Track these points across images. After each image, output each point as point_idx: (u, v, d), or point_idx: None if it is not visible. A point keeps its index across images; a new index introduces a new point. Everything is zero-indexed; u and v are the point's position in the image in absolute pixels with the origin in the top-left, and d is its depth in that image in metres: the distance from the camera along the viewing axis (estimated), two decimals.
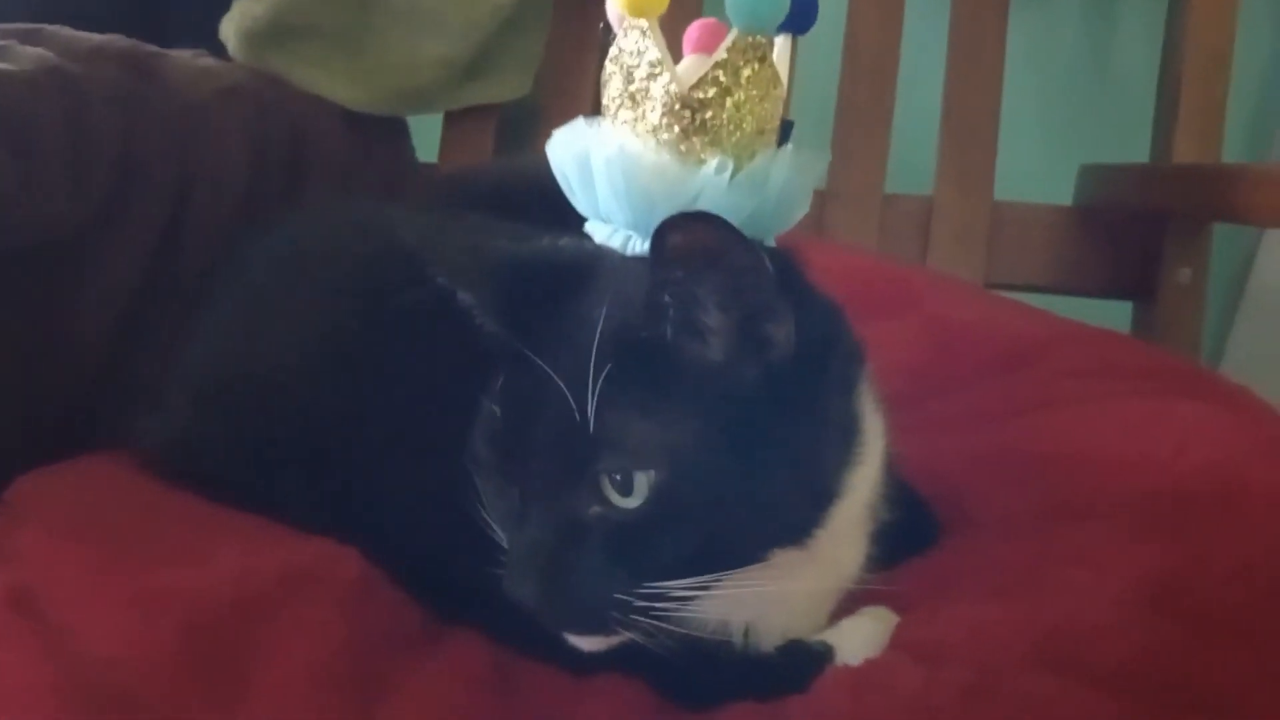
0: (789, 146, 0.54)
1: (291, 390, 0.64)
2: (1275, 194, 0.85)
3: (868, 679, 0.52)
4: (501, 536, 0.52)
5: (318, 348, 0.65)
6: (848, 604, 0.58)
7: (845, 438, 0.53)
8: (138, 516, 0.62)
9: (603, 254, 0.52)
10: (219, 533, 0.59)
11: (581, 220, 0.56)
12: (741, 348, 0.49)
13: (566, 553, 0.48)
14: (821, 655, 0.55)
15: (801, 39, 0.57)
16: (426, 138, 1.13)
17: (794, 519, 0.51)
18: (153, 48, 0.86)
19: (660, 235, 0.45)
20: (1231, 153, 1.09)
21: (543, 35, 1.12)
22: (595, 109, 0.56)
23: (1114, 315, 1.07)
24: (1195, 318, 1.03)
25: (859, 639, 0.56)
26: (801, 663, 0.54)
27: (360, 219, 0.76)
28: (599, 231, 0.53)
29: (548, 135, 1.20)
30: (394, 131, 1.08)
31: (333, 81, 1.02)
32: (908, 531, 0.62)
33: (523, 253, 0.54)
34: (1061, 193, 1.12)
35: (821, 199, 1.09)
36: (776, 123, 0.53)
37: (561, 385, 0.47)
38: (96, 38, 0.82)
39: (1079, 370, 0.81)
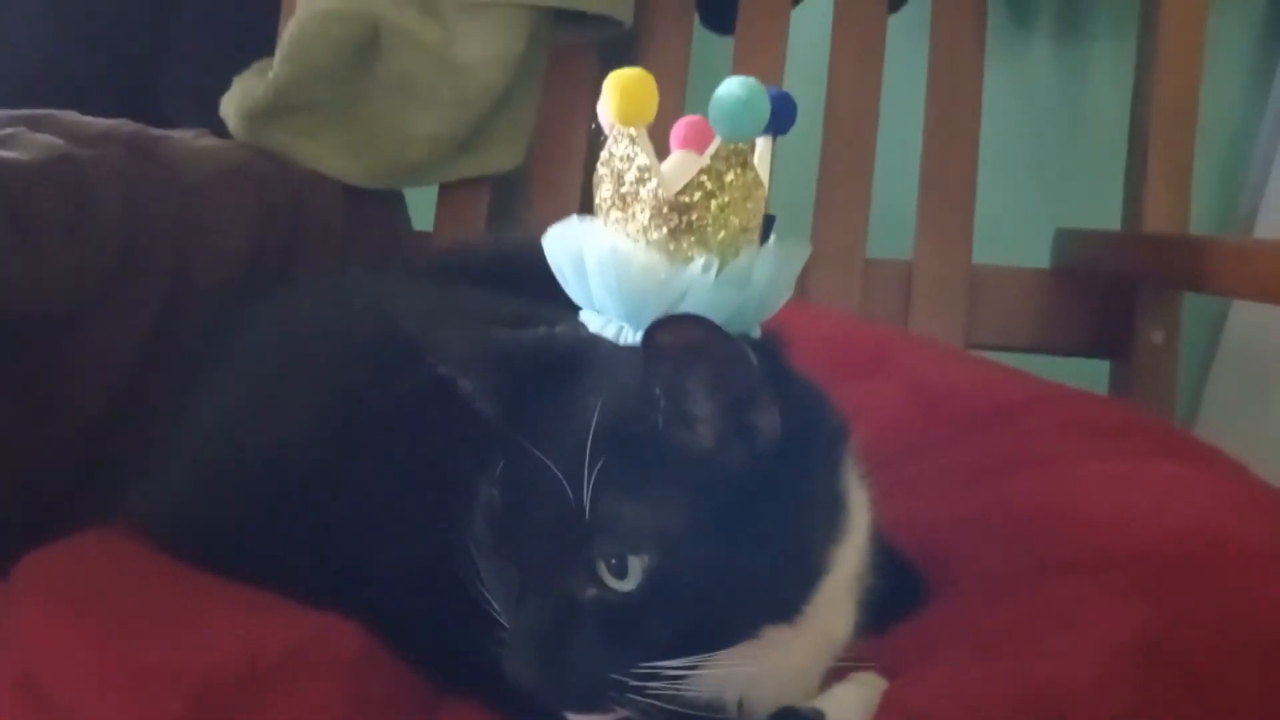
0: (771, 242, 0.56)
1: (291, 465, 0.66)
2: (1240, 267, 0.87)
3: None
4: (501, 614, 0.53)
5: (317, 424, 0.66)
6: (838, 671, 0.59)
7: (830, 515, 0.56)
8: (138, 591, 0.62)
9: (596, 342, 0.55)
10: (219, 605, 0.60)
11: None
12: (729, 435, 0.51)
13: (564, 634, 0.50)
14: None
15: (772, 145, 0.59)
16: (422, 207, 1.16)
17: (783, 597, 0.53)
18: (157, 131, 0.89)
19: (650, 335, 0.48)
20: (1202, 212, 1.13)
21: (533, 108, 1.15)
22: (584, 177, 0.59)
23: (1091, 374, 1.09)
24: (1169, 376, 1.06)
25: (849, 704, 0.57)
26: None
27: (358, 296, 0.78)
28: (593, 321, 0.55)
29: (539, 203, 1.23)
30: (390, 203, 1.11)
31: (330, 156, 1.05)
32: (895, 596, 0.63)
33: (521, 342, 0.56)
34: (1039, 255, 1.16)
35: (805, 264, 1.11)
36: (759, 220, 0.56)
37: (557, 473, 0.49)
38: (102, 123, 0.85)
39: (1057, 429, 0.82)
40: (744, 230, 0.54)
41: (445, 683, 0.60)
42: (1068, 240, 1.14)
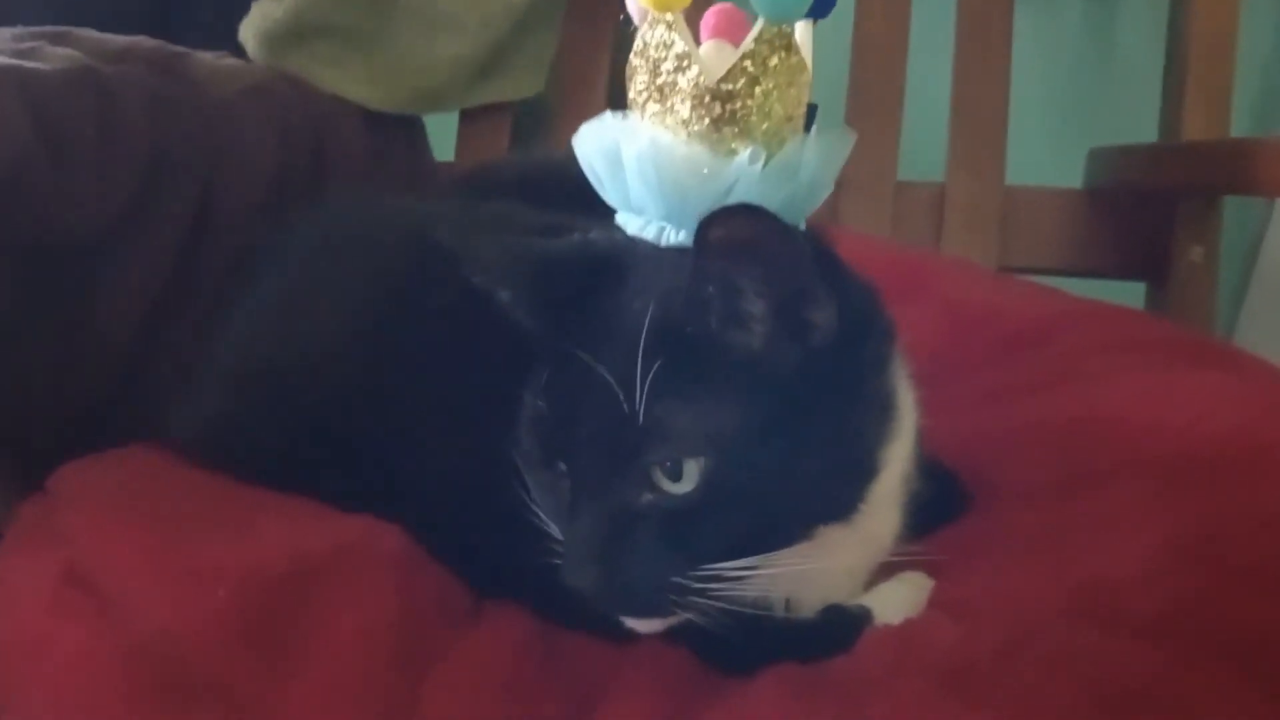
0: (815, 131, 0.55)
1: (327, 378, 0.65)
2: None
3: (906, 636, 0.53)
4: (550, 526, 0.53)
5: (354, 336, 0.66)
6: (884, 569, 0.59)
7: (882, 414, 0.55)
8: (182, 498, 0.63)
9: (636, 246, 0.53)
10: (264, 511, 0.60)
11: (603, 208, 0.56)
12: (784, 334, 0.50)
13: (622, 541, 0.50)
14: (860, 618, 0.56)
15: (812, 30, 0.57)
16: (443, 136, 1.15)
17: (838, 496, 0.53)
18: (179, 48, 0.88)
19: (703, 230, 0.46)
20: (1239, 130, 1.10)
21: (555, 33, 1.13)
22: (608, 105, 0.57)
23: (1127, 296, 1.08)
24: (1208, 295, 1.04)
25: (896, 601, 0.57)
26: (842, 625, 0.55)
27: (390, 210, 0.77)
28: (631, 223, 0.54)
29: (562, 131, 1.21)
30: (411, 130, 1.09)
31: (350, 81, 1.03)
32: (939, 501, 0.63)
33: (557, 250, 0.54)
34: (1072, 176, 1.14)
35: (835, 188, 1.10)
36: (803, 109, 0.54)
37: (610, 379, 0.48)
38: (124, 39, 0.84)
39: (1094, 346, 0.82)
40: (788, 119, 0.53)
41: (487, 586, 0.60)
42: (1102, 159, 1.12)
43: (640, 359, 0.48)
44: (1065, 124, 1.23)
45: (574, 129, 1.21)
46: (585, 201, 0.57)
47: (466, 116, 1.14)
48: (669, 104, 0.52)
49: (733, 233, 0.46)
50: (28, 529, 0.61)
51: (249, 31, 1.01)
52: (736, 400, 0.49)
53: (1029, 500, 0.65)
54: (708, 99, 0.51)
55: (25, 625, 0.54)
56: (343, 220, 0.77)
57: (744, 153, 0.51)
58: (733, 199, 0.50)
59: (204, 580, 0.53)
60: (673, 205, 0.52)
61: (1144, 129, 1.11)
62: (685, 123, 0.52)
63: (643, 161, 0.52)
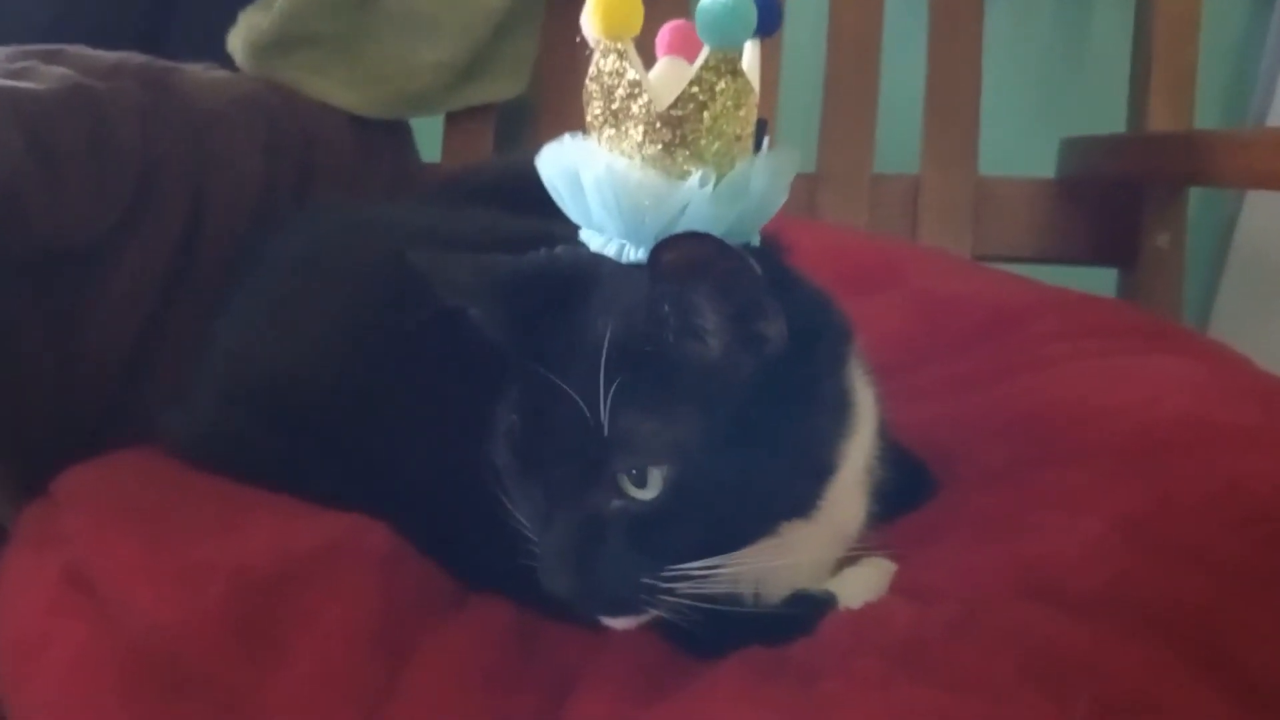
0: (764, 150, 0.56)
1: (315, 383, 0.68)
2: (1243, 157, 0.88)
3: (864, 619, 0.56)
4: (530, 531, 0.56)
5: (341, 342, 0.68)
6: (849, 557, 0.62)
7: (838, 413, 0.57)
8: (176, 500, 0.65)
9: (599, 262, 0.56)
10: (254, 510, 0.63)
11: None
12: (737, 345, 0.53)
13: (594, 546, 0.53)
14: (825, 602, 0.59)
15: (787, 27, 0.58)
16: (429, 138, 1.17)
17: (798, 494, 0.56)
18: (167, 63, 0.90)
19: (656, 254, 0.49)
20: (1208, 120, 1.12)
21: (536, 35, 1.15)
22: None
23: (1099, 282, 1.10)
24: (1176, 281, 1.07)
25: (859, 586, 0.60)
26: (806, 610, 0.58)
27: (375, 217, 0.80)
28: (593, 240, 0.56)
29: (544, 130, 1.23)
30: (397, 134, 1.12)
31: (336, 88, 1.05)
32: (904, 487, 0.65)
33: (523, 267, 0.57)
34: (1044, 166, 1.16)
35: (812, 181, 1.13)
36: (751, 128, 0.56)
37: (574, 394, 0.51)
38: (114, 56, 0.86)
39: (1061, 333, 0.84)
40: (737, 139, 0.55)
41: (469, 579, 0.63)
42: (1073, 149, 1.15)
43: (603, 374, 0.51)
44: (1037, 115, 1.25)
45: (556, 128, 1.22)
46: (555, 206, 0.59)
47: (451, 118, 1.17)
48: (623, 129, 0.54)
49: (683, 256, 0.49)
50: (30, 531, 0.64)
51: (237, 41, 1.03)
52: (696, 409, 0.52)
53: (988, 484, 0.67)
54: (659, 125, 0.53)
55: (26, 624, 0.57)
56: (329, 227, 0.79)
57: (695, 175, 0.53)
58: (686, 219, 0.53)
59: (197, 579, 0.56)
60: (631, 225, 0.54)
61: (1115, 119, 1.13)
62: (639, 146, 0.54)
63: (601, 186, 0.54)
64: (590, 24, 0.53)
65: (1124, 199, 1.10)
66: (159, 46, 0.99)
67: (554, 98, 1.17)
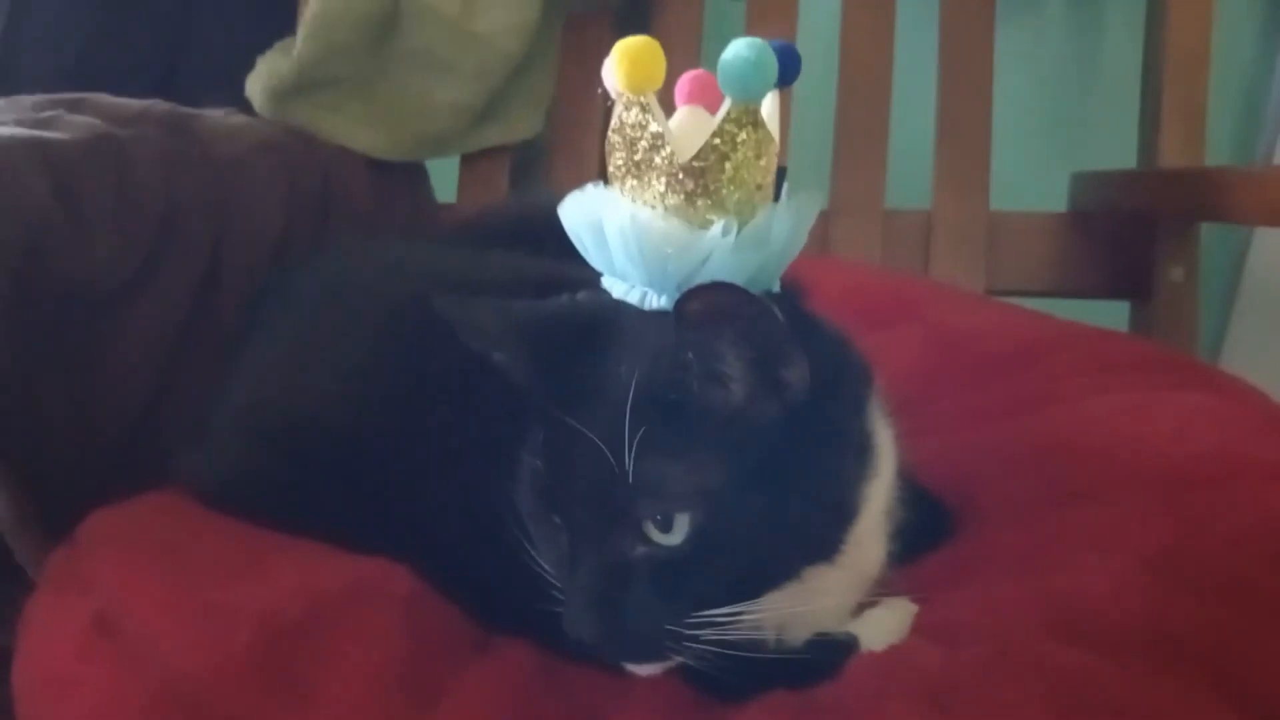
0: (784, 198, 0.57)
1: (336, 426, 0.68)
2: (1255, 194, 0.88)
3: (891, 661, 0.56)
4: (554, 576, 0.56)
5: (362, 383, 0.69)
6: (870, 598, 0.62)
7: (860, 455, 0.58)
8: (200, 543, 0.65)
9: (621, 309, 0.56)
10: (278, 554, 0.63)
11: None
12: (760, 391, 0.53)
13: (618, 592, 0.53)
14: (848, 645, 0.59)
15: (778, 98, 0.59)
16: (445, 179, 1.18)
17: (822, 537, 0.56)
18: (189, 110, 0.91)
19: (680, 304, 0.50)
20: (1220, 154, 1.13)
21: (551, 76, 1.17)
22: (602, 144, 0.59)
23: (1112, 316, 1.10)
24: (1190, 314, 1.07)
25: (882, 628, 0.60)
26: (830, 653, 0.58)
27: (395, 256, 0.80)
28: (616, 288, 0.57)
29: (558, 171, 1.24)
30: (414, 175, 1.13)
31: (354, 131, 1.07)
32: (925, 527, 0.65)
33: (547, 313, 0.57)
34: (1056, 199, 1.16)
35: (825, 217, 1.14)
36: (772, 176, 0.57)
37: (598, 441, 0.52)
38: (137, 103, 0.87)
39: (1079, 368, 0.84)
40: (758, 188, 0.56)
41: (494, 627, 0.63)
42: (1084, 183, 1.15)
43: (628, 420, 0.51)
44: (1048, 149, 1.26)
45: (569, 169, 1.25)
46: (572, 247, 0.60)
47: (467, 159, 1.18)
48: (645, 179, 0.55)
49: (706, 305, 0.50)
50: (57, 575, 0.64)
51: (256, 87, 1.05)
52: (720, 455, 0.52)
53: (1011, 521, 0.67)
54: (681, 176, 0.54)
55: (54, 668, 0.57)
56: (351, 266, 0.80)
57: (717, 225, 0.54)
58: (708, 268, 0.53)
59: (223, 622, 0.56)
60: (654, 274, 0.55)
61: (1125, 153, 1.14)
62: (661, 196, 0.55)
63: (624, 235, 0.54)
64: (613, 78, 0.54)
65: (1136, 233, 1.10)
66: (174, 86, 1.01)
67: (567, 138, 1.19)
